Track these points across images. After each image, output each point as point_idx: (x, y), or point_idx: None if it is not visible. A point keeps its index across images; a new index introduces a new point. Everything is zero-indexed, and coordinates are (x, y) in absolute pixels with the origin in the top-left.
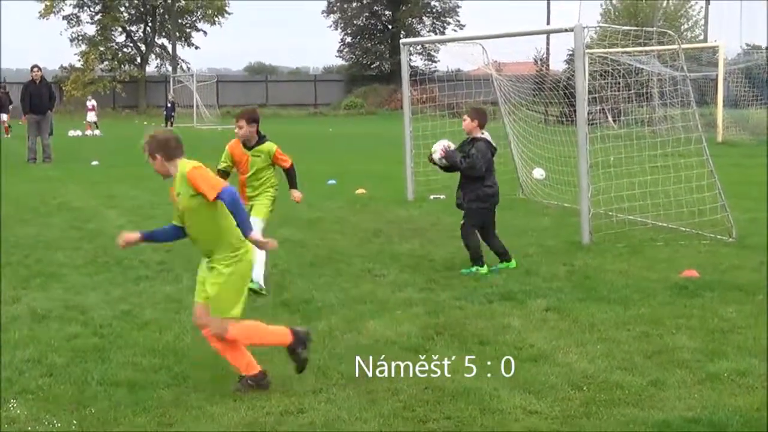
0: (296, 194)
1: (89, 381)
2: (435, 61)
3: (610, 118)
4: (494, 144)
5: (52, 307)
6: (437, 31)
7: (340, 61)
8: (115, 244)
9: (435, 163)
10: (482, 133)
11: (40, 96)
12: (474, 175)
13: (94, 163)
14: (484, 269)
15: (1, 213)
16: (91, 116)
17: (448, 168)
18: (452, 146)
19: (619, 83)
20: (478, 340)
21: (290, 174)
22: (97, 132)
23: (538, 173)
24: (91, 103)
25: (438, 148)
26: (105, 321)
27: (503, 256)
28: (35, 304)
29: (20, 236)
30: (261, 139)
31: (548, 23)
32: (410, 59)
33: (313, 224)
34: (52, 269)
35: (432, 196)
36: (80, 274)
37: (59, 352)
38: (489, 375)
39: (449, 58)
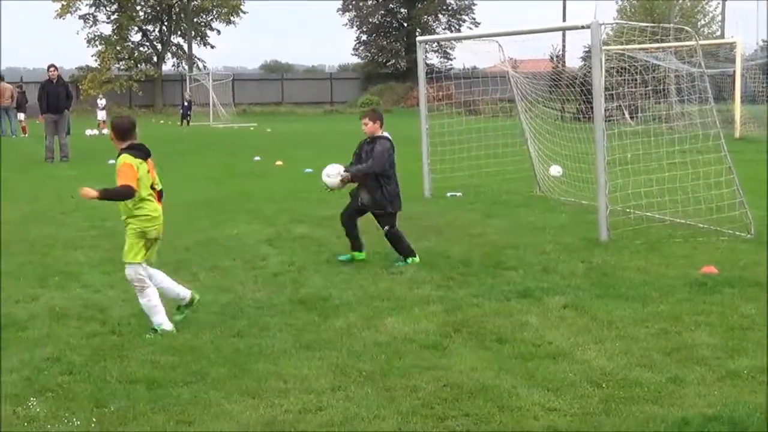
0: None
1: (108, 379)
2: (451, 59)
3: (627, 115)
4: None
5: (70, 305)
6: (453, 28)
7: (355, 59)
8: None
9: (333, 189)
10: (382, 133)
11: (57, 95)
12: (379, 169)
13: (111, 161)
14: (417, 259)
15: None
16: (101, 115)
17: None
18: (341, 167)
19: (635, 80)
20: (496, 338)
21: None
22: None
23: (555, 170)
24: (102, 101)
25: (334, 174)
26: (123, 319)
27: (358, 246)
28: (54, 302)
29: (38, 235)
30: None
31: (564, 20)
32: (426, 57)
33: (330, 221)
34: (70, 268)
35: (449, 194)
36: (98, 272)
37: (78, 350)
38: (507, 372)
39: (465, 56)
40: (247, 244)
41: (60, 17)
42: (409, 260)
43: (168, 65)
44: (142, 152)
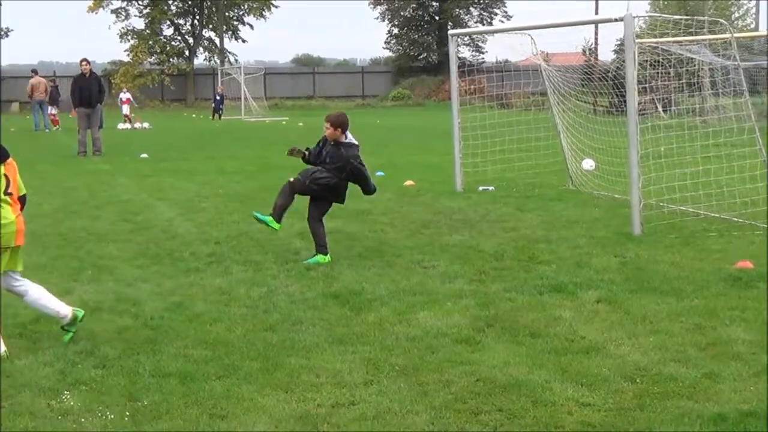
0: None
1: (141, 372)
2: (483, 52)
3: (659, 108)
4: (356, 141)
5: (103, 299)
6: (484, 21)
7: (387, 53)
8: None
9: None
10: (346, 138)
11: (89, 89)
12: (371, 184)
13: (143, 155)
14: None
15: None
16: (125, 109)
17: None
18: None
19: (669, 73)
20: (529, 332)
21: None
22: (128, 125)
23: (588, 164)
24: (126, 95)
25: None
26: (156, 313)
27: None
28: (87, 296)
29: (71, 229)
30: None
31: (596, 13)
32: (458, 50)
33: (362, 216)
34: (103, 262)
35: (481, 188)
36: (131, 266)
37: (111, 343)
38: (540, 367)
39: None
40: (279, 238)
41: (92, 12)
42: (320, 258)
43: (200, 59)
44: None
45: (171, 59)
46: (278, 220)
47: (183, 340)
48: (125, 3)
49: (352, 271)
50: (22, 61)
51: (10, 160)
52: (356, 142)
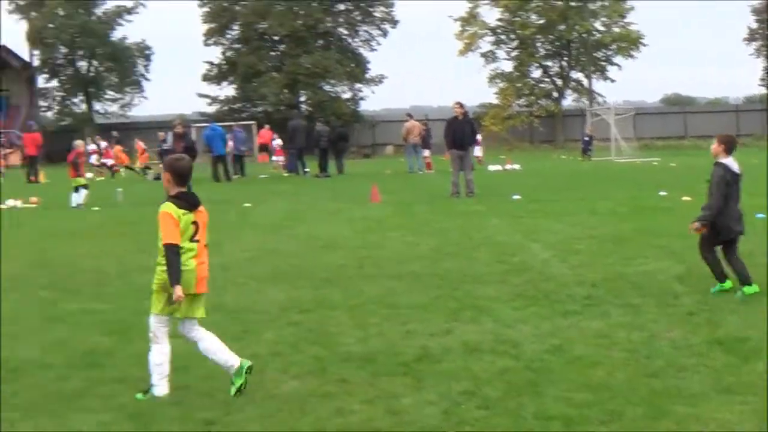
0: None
1: (524, 415)
2: None
3: None
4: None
5: (483, 339)
6: None
7: (762, 90)
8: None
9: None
10: (724, 159)
11: (462, 132)
12: (715, 211)
13: (516, 197)
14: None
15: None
16: (476, 150)
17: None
18: None
19: None
20: None
21: None
22: (499, 167)
23: None
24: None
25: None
26: (536, 355)
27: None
28: (467, 336)
29: (447, 269)
30: None
31: None
32: None
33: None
34: (480, 302)
35: None
36: (509, 307)
37: (493, 384)
38: None
39: None
40: (658, 281)
41: (462, 55)
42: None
43: (568, 100)
44: (188, 203)
45: (539, 101)
46: (723, 280)
47: (564, 383)
48: (494, 47)
49: (736, 317)
50: (395, 105)
51: (201, 208)
52: (735, 169)
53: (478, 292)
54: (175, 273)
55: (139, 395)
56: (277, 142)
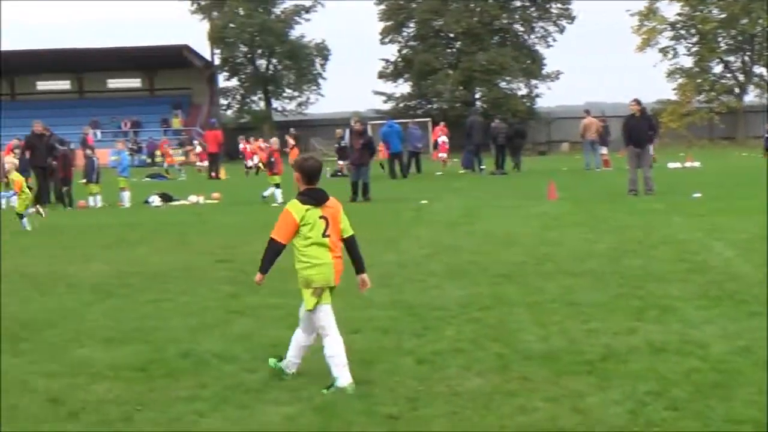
0: None
1: (713, 417)
2: None
3: None
4: None
5: (669, 339)
6: None
7: None
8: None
9: None
10: None
11: (639, 129)
12: None
13: (696, 195)
14: None
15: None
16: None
17: None
18: None
19: None
20: None
21: None
22: (678, 164)
23: None
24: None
25: None
26: (723, 356)
27: None
28: (652, 336)
29: (628, 267)
30: None
31: None
32: None
33: None
34: (664, 302)
35: None
36: (693, 307)
37: (680, 386)
38: None
39: None
40: None
41: (640, 51)
42: None
43: (750, 96)
44: (313, 198)
45: (720, 97)
46: None
47: (753, 385)
48: (673, 42)
49: None
50: (570, 102)
51: (329, 203)
52: None
53: (661, 291)
54: (266, 263)
55: (324, 391)
56: (442, 138)
